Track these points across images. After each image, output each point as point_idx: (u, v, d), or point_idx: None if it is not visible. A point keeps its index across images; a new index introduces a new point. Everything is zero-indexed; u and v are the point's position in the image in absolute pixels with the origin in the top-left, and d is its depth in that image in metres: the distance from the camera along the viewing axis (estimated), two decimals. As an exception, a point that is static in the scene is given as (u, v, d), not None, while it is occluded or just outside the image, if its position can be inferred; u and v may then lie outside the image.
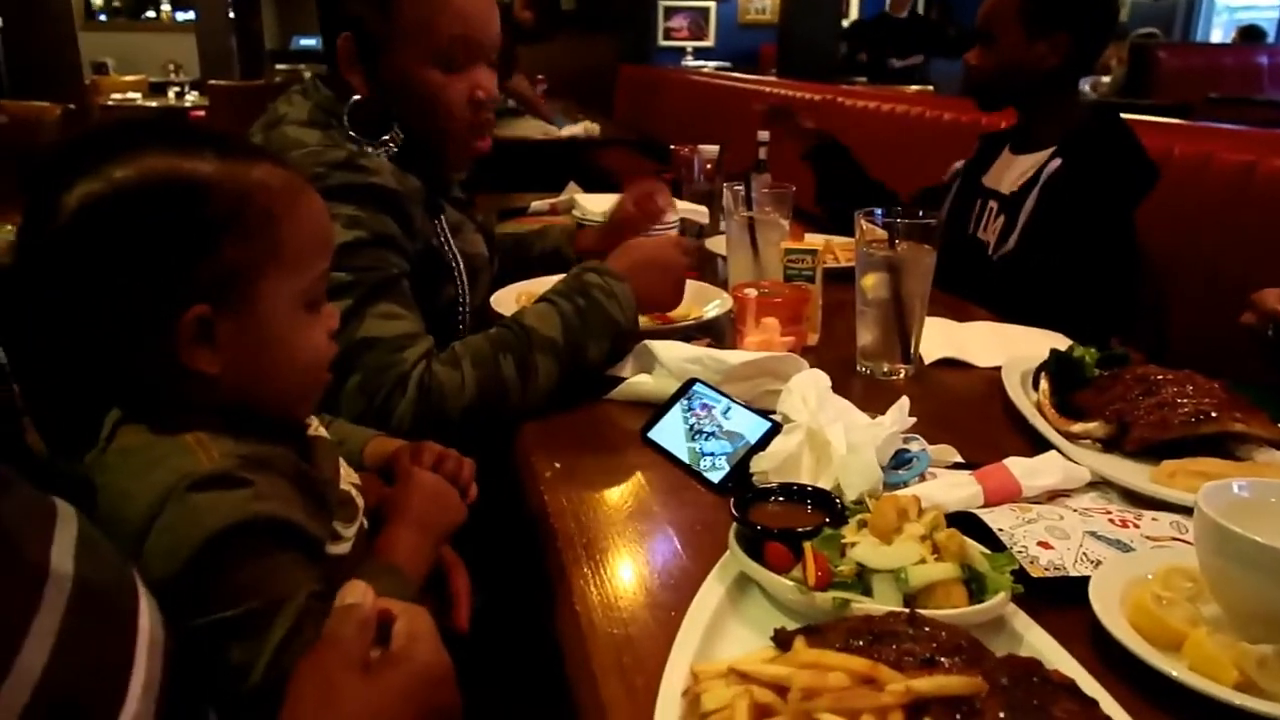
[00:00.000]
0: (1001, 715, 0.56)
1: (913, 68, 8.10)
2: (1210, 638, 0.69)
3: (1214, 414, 1.04)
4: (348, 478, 0.86)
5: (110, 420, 0.77)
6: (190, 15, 9.59)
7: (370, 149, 1.29)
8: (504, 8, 5.47)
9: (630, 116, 7.09)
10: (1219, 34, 8.89)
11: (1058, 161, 1.92)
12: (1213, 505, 0.73)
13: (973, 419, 1.25)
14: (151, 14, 10.95)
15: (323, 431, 0.87)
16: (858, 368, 1.39)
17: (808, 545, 0.74)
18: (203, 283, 0.73)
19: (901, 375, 1.36)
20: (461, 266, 1.38)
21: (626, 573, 0.86)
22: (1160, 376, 1.12)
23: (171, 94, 7.69)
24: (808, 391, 1.05)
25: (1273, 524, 0.72)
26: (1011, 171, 2.04)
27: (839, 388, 1.33)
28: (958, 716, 0.56)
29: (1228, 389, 1.10)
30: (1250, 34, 7.43)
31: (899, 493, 0.90)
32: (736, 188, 1.63)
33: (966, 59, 2.09)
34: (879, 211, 1.35)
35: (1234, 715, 0.65)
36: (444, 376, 1.15)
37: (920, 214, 1.35)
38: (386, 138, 1.31)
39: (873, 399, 1.16)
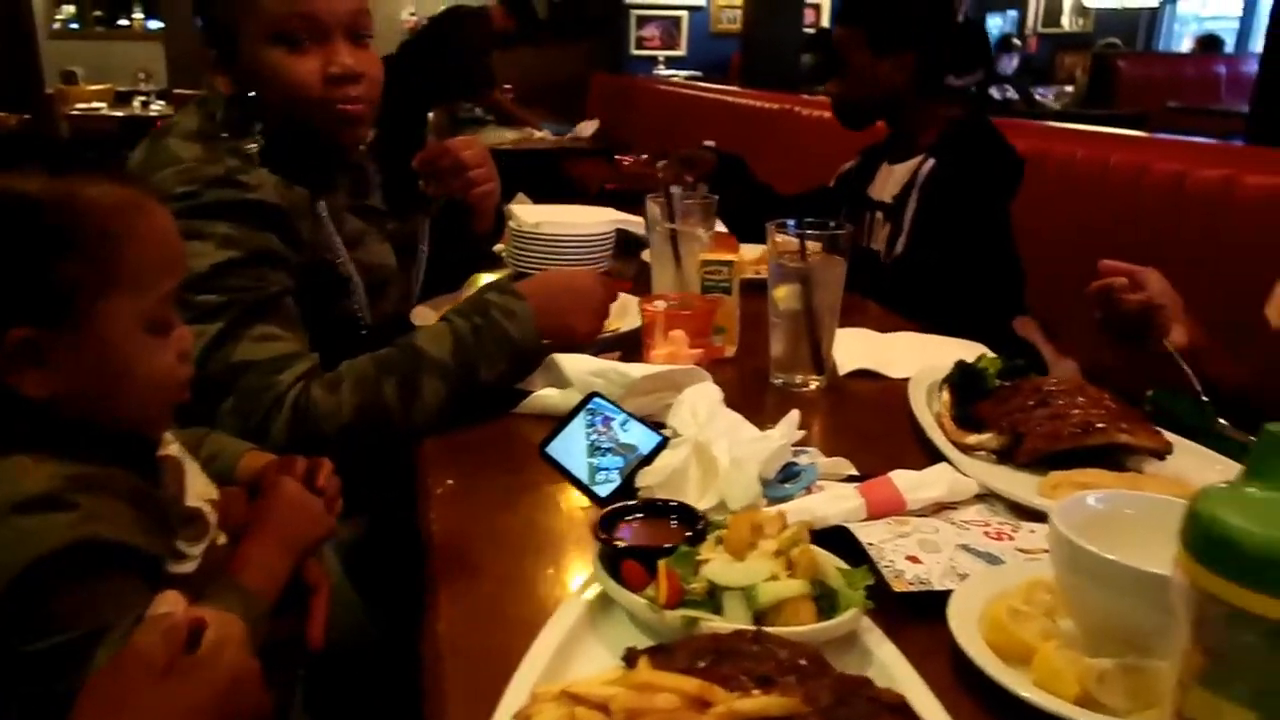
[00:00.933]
0: (816, 731, 0.55)
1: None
2: (1057, 652, 0.70)
3: (1101, 425, 1.04)
4: (202, 495, 0.85)
5: None
6: (161, 23, 9.52)
7: (246, 148, 1.27)
8: (483, 18, 5.51)
9: (602, 125, 7.11)
10: (1189, 43, 8.98)
11: (931, 163, 2.02)
12: (1066, 520, 0.73)
13: (879, 431, 1.25)
14: (125, 22, 10.85)
15: (174, 450, 0.86)
16: (771, 379, 1.39)
17: (662, 563, 0.74)
18: (30, 304, 0.72)
19: (813, 386, 1.36)
20: (358, 280, 1.36)
21: (499, 591, 0.85)
22: (1054, 388, 1.13)
23: (137, 103, 7.65)
24: (698, 404, 1.05)
25: (1125, 537, 0.72)
26: (890, 181, 2.13)
27: (754, 399, 1.34)
28: (777, 736, 0.56)
29: (1118, 400, 1.11)
30: (1209, 44, 7.54)
31: (780, 507, 0.90)
32: (660, 199, 1.63)
33: (827, 89, 2.23)
34: (791, 223, 1.35)
35: (1074, 729, 0.66)
36: (321, 398, 1.14)
37: (831, 225, 1.35)
38: (253, 134, 1.28)
39: (784, 410, 1.15)
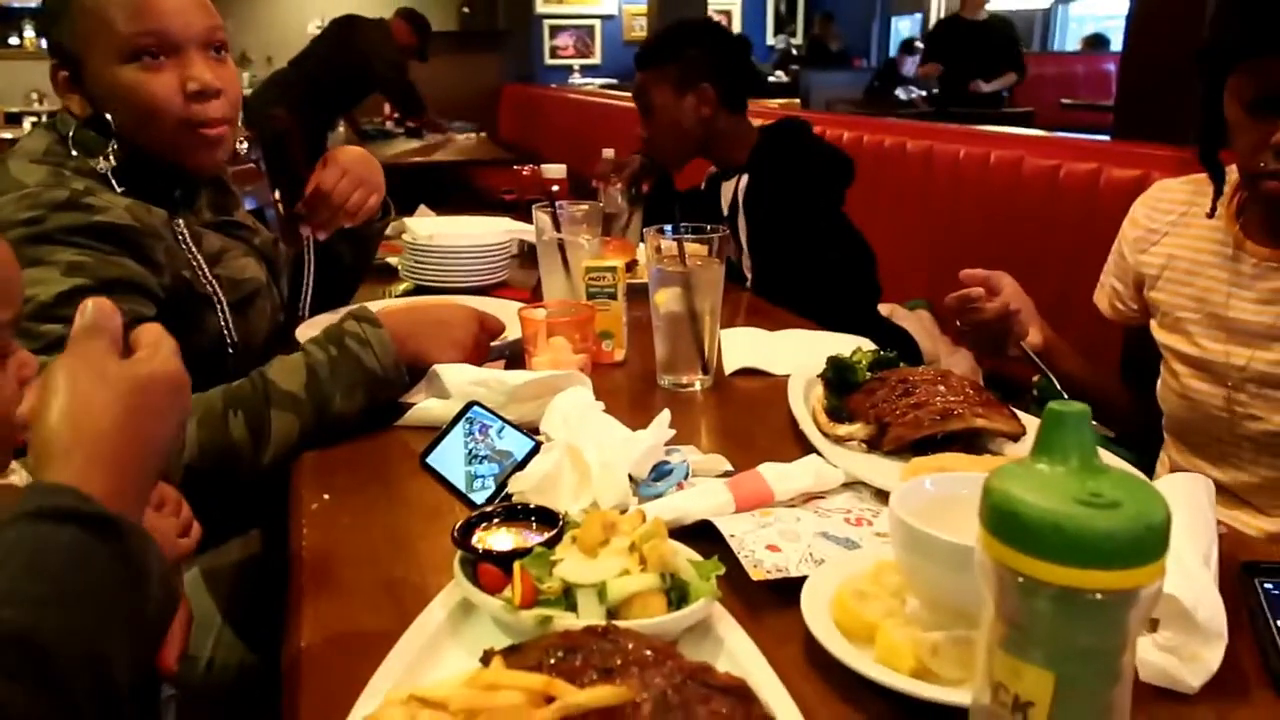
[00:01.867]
0: (648, 714, 0.57)
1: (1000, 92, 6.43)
2: (895, 629, 0.73)
3: (958, 411, 1.09)
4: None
5: None
6: (52, 42, 9.20)
7: (96, 166, 1.24)
8: (385, 29, 5.46)
9: (515, 135, 7.11)
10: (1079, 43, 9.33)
11: (746, 178, 2.16)
12: (902, 504, 0.76)
13: (760, 427, 1.29)
14: (16, 41, 10.45)
15: (14, 479, 0.84)
16: (659, 381, 1.41)
17: (517, 565, 0.75)
18: None
19: (698, 386, 1.39)
20: (221, 296, 1.34)
21: (364, 604, 0.85)
22: (917, 377, 1.17)
23: (27, 124, 7.38)
24: (569, 409, 1.06)
25: (960, 516, 0.75)
26: (724, 198, 2.26)
27: (644, 401, 1.36)
28: (613, 726, 0.58)
29: (978, 387, 1.16)
30: (1095, 42, 7.86)
31: (644, 505, 0.92)
32: (547, 208, 1.64)
33: (639, 132, 2.33)
34: (668, 228, 1.38)
35: (912, 702, 0.69)
36: None
37: (709, 229, 1.38)
38: (106, 152, 1.26)
39: (673, 410, 1.17)
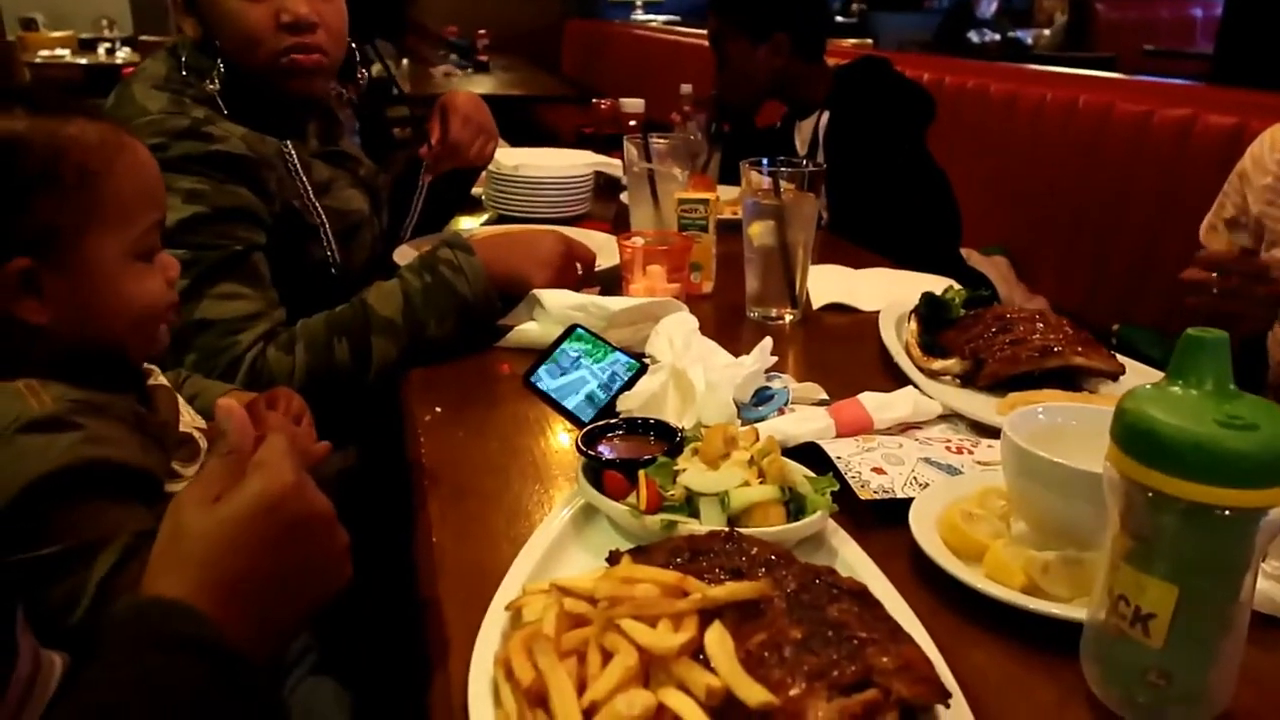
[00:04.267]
0: (783, 609, 0.61)
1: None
2: (1005, 548, 0.75)
3: (1057, 349, 1.10)
4: (190, 422, 0.90)
5: None
6: (122, -32, 9.29)
7: (206, 89, 1.28)
8: None
9: (577, 72, 7.05)
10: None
11: (826, 115, 2.16)
12: (1016, 429, 0.78)
13: (849, 360, 1.31)
14: (83, -33, 10.57)
15: (163, 380, 0.90)
16: (748, 313, 1.43)
17: (642, 473, 0.79)
18: (21, 237, 0.75)
19: (787, 320, 1.41)
20: (327, 226, 1.38)
21: (487, 507, 0.90)
22: (1014, 315, 1.18)
23: (102, 50, 7.49)
24: (674, 333, 1.09)
25: (1069, 445, 0.77)
26: (799, 139, 2.26)
27: (731, 332, 1.38)
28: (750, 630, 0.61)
29: (1076, 326, 1.16)
30: (1187, -14, 7.51)
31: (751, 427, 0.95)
32: (637, 140, 1.66)
33: (715, 82, 2.34)
34: (765, 161, 1.39)
35: (1021, 616, 0.72)
36: (275, 361, 1.17)
37: (805, 163, 1.39)
38: (213, 74, 1.30)
39: (758, 342, 1.19)
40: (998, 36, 7.68)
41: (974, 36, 7.70)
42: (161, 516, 0.73)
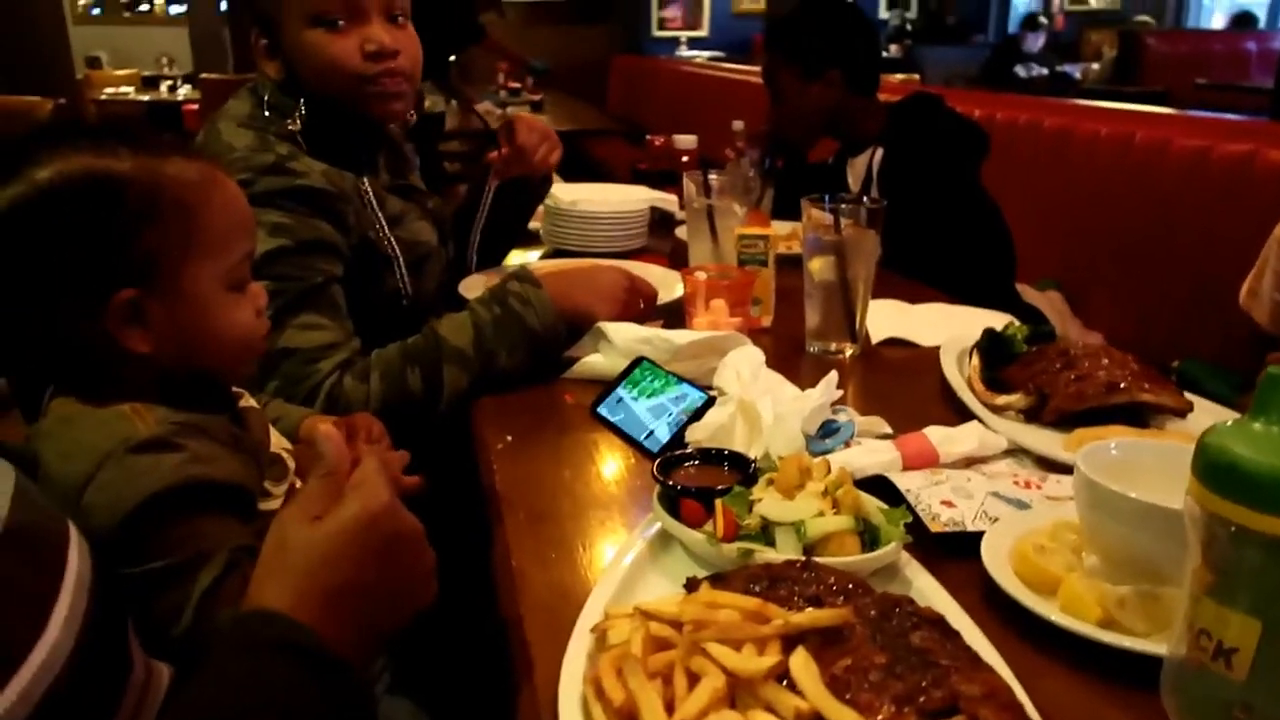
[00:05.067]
0: (866, 635, 0.62)
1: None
2: (1080, 581, 0.76)
3: (1124, 385, 1.10)
4: (278, 443, 0.94)
5: (48, 397, 0.84)
6: (183, 8, 9.64)
7: (289, 127, 1.34)
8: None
9: (623, 107, 7.16)
10: (1220, 20, 8.83)
11: (880, 151, 2.17)
12: (1089, 464, 0.79)
13: (910, 394, 1.32)
14: (145, 7, 10.99)
15: (253, 402, 0.95)
16: (807, 347, 1.45)
17: (719, 502, 0.81)
18: (127, 269, 0.80)
19: (847, 354, 1.43)
20: (401, 258, 1.43)
21: (563, 531, 0.93)
22: (1078, 351, 1.18)
23: (164, 87, 7.75)
24: (742, 366, 1.12)
25: (1142, 480, 0.78)
26: (852, 175, 2.27)
27: (790, 366, 1.40)
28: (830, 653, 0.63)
29: (1141, 362, 1.16)
30: (1242, 21, 7.47)
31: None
32: (697, 176, 1.69)
33: (768, 118, 2.36)
34: (825, 197, 1.41)
35: (1096, 649, 0.72)
36: (351, 389, 1.21)
37: (864, 199, 1.41)
38: (296, 113, 1.36)
39: (821, 377, 1.20)
40: (1045, 71, 7.68)
41: (1021, 71, 7.71)
42: (258, 532, 0.78)
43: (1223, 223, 2.08)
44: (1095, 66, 7.82)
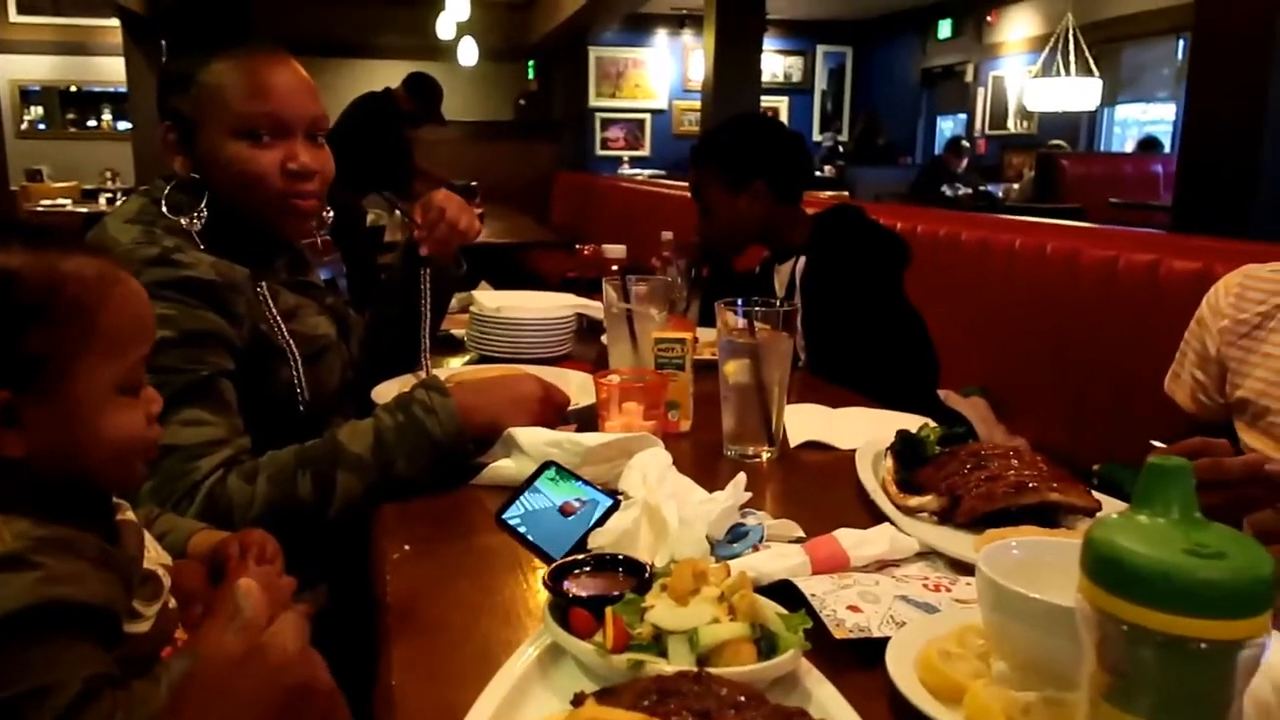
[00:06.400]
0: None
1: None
2: (985, 689, 0.73)
3: (1033, 485, 1.10)
4: (156, 558, 0.87)
5: None
6: (129, 125, 9.71)
7: (183, 223, 1.33)
8: (387, 98, 5.53)
9: (566, 221, 7.31)
10: (1131, 144, 9.33)
11: (803, 260, 2.22)
12: (990, 564, 0.77)
13: (826, 497, 1.30)
14: (94, 123, 11.07)
15: (131, 515, 0.88)
16: (725, 451, 1.43)
17: (609, 610, 0.76)
18: (7, 369, 0.75)
19: (764, 457, 1.41)
20: (296, 351, 1.39)
21: (451, 647, 0.87)
22: (989, 451, 1.18)
23: (103, 200, 7.74)
24: (649, 468, 1.09)
25: (1045, 579, 0.76)
26: (778, 281, 2.32)
27: (708, 470, 1.37)
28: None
29: (1051, 463, 1.16)
30: (1149, 144, 7.93)
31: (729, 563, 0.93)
32: (615, 282, 1.69)
33: (697, 229, 2.41)
34: (739, 301, 1.42)
35: (1003, 762, 0.69)
36: (235, 489, 1.16)
37: (778, 304, 1.42)
38: (195, 213, 1.35)
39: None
40: (970, 190, 8.04)
41: (947, 190, 8.05)
42: (122, 659, 0.72)
43: (1132, 328, 2.14)
44: (1016, 186, 8.20)
